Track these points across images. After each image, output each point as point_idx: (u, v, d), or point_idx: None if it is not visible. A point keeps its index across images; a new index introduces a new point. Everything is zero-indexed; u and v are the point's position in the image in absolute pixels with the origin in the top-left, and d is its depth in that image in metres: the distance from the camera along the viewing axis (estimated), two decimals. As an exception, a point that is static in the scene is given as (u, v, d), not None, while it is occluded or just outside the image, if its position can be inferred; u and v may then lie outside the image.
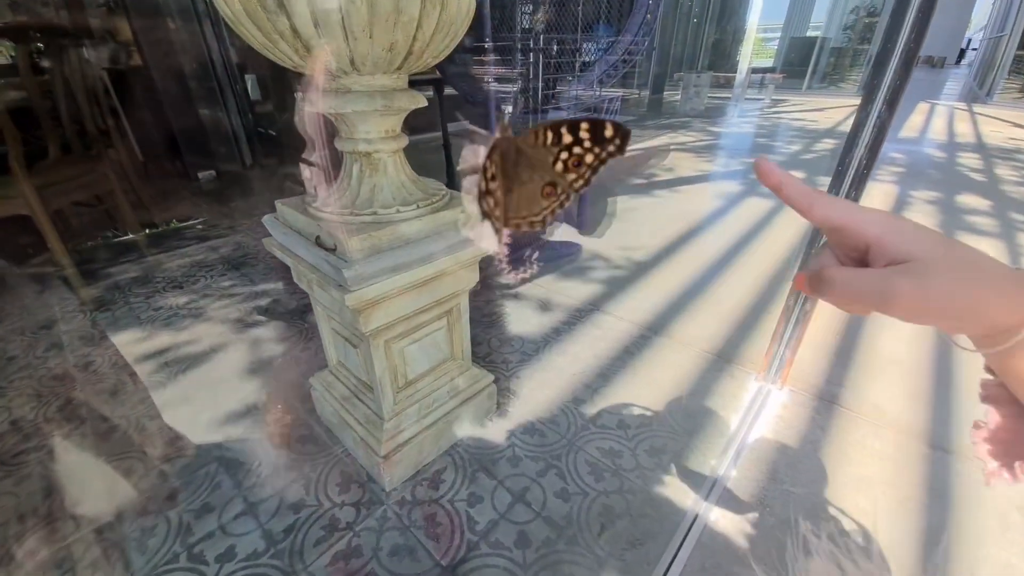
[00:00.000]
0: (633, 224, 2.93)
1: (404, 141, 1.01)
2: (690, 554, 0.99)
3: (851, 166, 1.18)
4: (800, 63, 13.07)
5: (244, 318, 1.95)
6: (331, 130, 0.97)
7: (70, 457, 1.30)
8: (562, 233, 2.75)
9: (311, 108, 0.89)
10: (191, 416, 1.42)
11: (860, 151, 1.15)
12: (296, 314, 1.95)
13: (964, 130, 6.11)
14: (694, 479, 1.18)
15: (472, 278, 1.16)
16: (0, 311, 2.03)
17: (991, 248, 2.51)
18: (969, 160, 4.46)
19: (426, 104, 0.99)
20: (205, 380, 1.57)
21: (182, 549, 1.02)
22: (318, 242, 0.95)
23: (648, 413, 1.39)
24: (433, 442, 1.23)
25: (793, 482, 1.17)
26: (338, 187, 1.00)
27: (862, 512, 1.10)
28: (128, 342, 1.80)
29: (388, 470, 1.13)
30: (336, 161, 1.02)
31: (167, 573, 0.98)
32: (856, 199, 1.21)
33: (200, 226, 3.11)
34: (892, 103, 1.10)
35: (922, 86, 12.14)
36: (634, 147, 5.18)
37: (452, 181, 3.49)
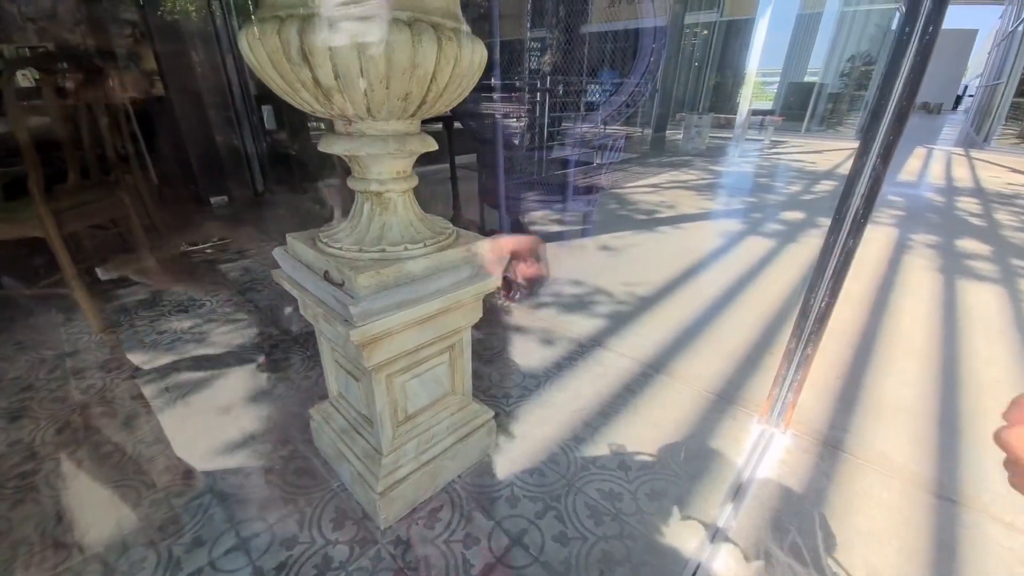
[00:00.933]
0: (636, 260, 2.96)
1: (414, 181, 1.05)
2: (691, 606, 0.96)
3: (848, 214, 1.21)
4: (799, 107, 13.45)
5: (246, 344, 1.96)
6: (344, 168, 1.01)
7: (64, 483, 1.28)
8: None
9: (326, 150, 0.93)
10: (188, 444, 1.41)
11: (857, 200, 1.19)
12: (299, 342, 1.96)
13: (962, 175, 6.22)
14: (695, 526, 1.16)
15: (476, 314, 1.17)
16: (7, 331, 2.05)
17: (991, 294, 2.52)
18: (968, 205, 4.52)
19: (436, 147, 1.03)
20: (204, 407, 1.57)
21: (170, 585, 1.00)
22: (326, 277, 0.98)
23: (649, 454, 1.37)
24: (430, 479, 1.21)
25: (798, 532, 1.15)
26: (348, 224, 1.03)
27: (869, 567, 1.07)
28: (130, 366, 1.80)
29: (384, 507, 1.11)
30: (343, 197, 1.06)
31: (153, 611, 0.95)
32: (855, 244, 1.23)
33: (209, 250, 3.17)
34: (886, 156, 1.14)
35: (919, 131, 12.44)
36: (636, 184, 5.29)
37: (459, 211, 3.56)
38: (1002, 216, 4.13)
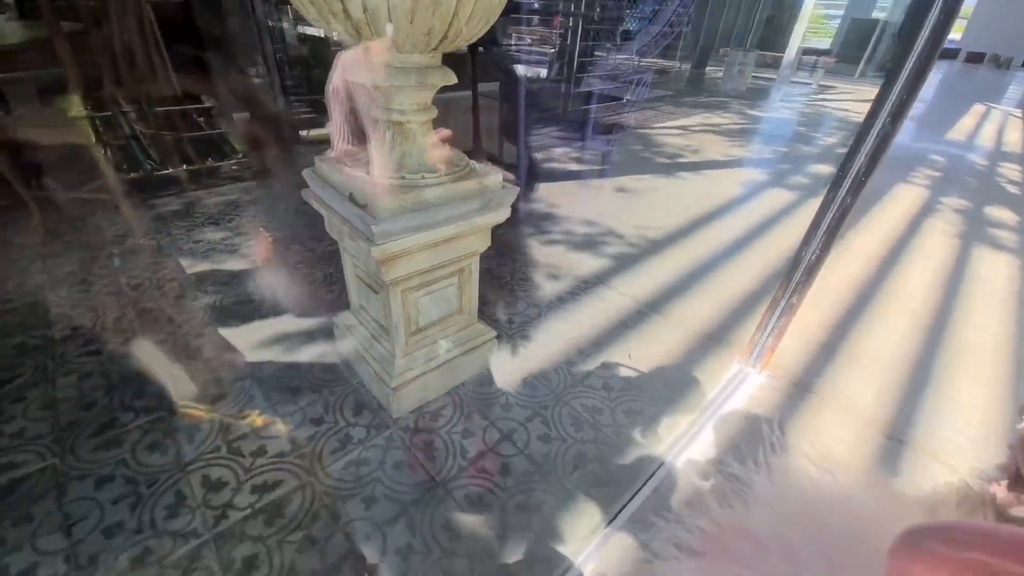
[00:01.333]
0: (651, 204, 2.98)
1: (433, 113, 1.12)
2: (647, 498, 1.15)
3: (850, 172, 1.25)
4: (858, 47, 12.29)
5: (274, 257, 2.12)
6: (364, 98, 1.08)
7: (125, 362, 1.50)
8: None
9: (352, 79, 1.00)
10: (229, 338, 1.61)
11: (861, 159, 1.22)
12: (322, 259, 2.12)
13: (1014, 139, 5.81)
14: (662, 440, 1.33)
15: (484, 242, 1.28)
16: (57, 232, 2.24)
17: (1005, 264, 2.52)
18: (1010, 171, 4.30)
19: (456, 81, 1.09)
20: (239, 311, 1.76)
21: (223, 443, 1.22)
22: (351, 198, 1.09)
23: (632, 380, 1.53)
24: (437, 382, 1.39)
25: (751, 450, 1.31)
26: (371, 151, 1.12)
27: (807, 478, 1.24)
28: (172, 269, 1.99)
29: (396, 401, 1.31)
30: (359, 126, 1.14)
31: (211, 461, 1.18)
32: (852, 203, 1.28)
33: (235, 167, 3.27)
34: (897, 115, 1.15)
35: (982, 87, 11.36)
36: (665, 124, 5.10)
37: (478, 142, 3.55)
38: (1046, 185, 3.94)
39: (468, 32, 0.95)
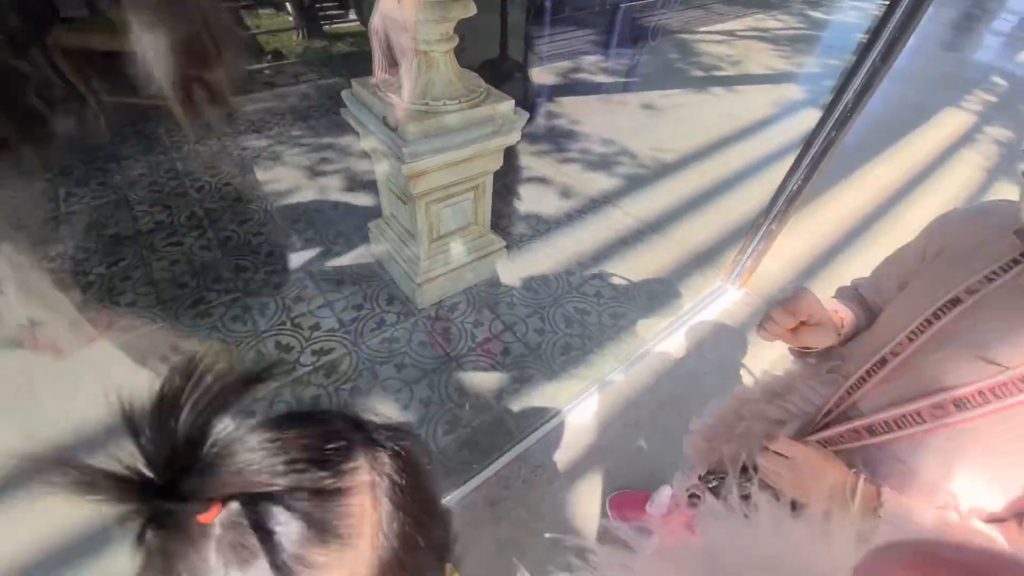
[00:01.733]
0: (674, 123, 2.98)
1: (455, 42, 1.25)
2: (621, 378, 1.46)
3: (839, 105, 1.33)
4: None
5: (314, 167, 2.34)
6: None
7: (202, 253, 1.83)
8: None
9: (389, 15, 1.14)
10: (283, 236, 1.91)
11: (849, 95, 1.29)
12: (359, 170, 2.33)
13: (1116, 52, 5.12)
14: (639, 338, 1.61)
15: (497, 162, 1.47)
16: (119, 136, 2.49)
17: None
18: (1087, 95, 3.92)
19: (475, 11, 1.20)
20: (287, 215, 2.04)
21: (287, 319, 1.57)
22: (384, 122, 1.27)
23: (622, 290, 1.78)
24: (454, 283, 1.67)
25: (712, 352, 1.58)
26: (400, 78, 1.28)
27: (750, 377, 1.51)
28: (227, 173, 2.25)
29: (421, 295, 1.60)
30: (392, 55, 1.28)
31: (279, 331, 1.53)
32: (838, 136, 1.37)
33: (268, 71, 3.37)
34: (888, 53, 1.21)
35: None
36: (710, 28, 4.73)
37: (505, 51, 3.48)
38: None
39: (483, -29, 1.05)
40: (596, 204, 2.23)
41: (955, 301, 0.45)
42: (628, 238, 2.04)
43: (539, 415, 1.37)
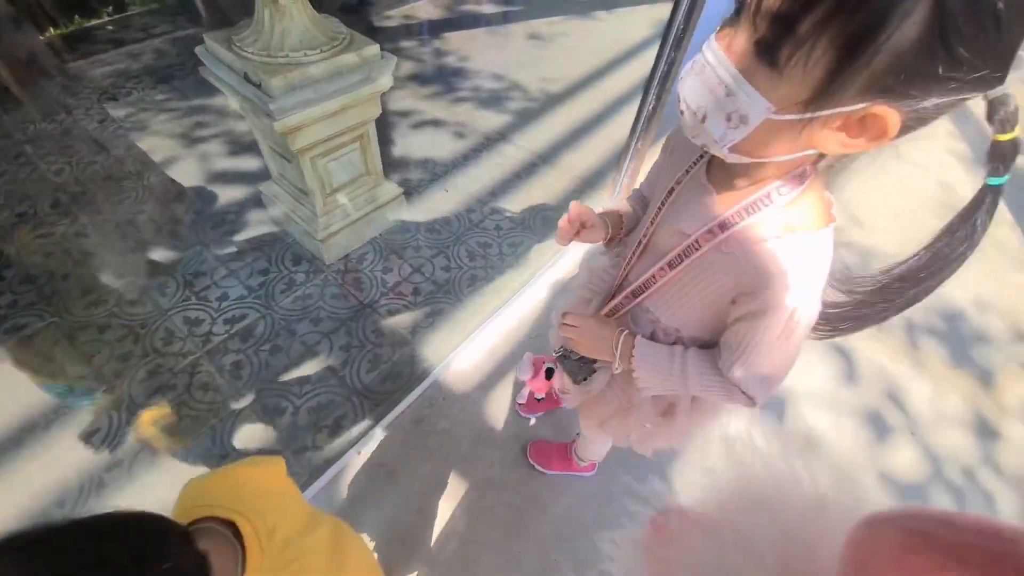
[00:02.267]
0: (560, 51, 3.04)
1: (306, -14, 1.22)
2: (522, 300, 1.64)
3: (674, 27, 1.48)
4: None
5: (188, 133, 2.19)
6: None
7: (79, 240, 1.72)
8: None
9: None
10: (165, 212, 1.82)
11: (680, 17, 1.44)
12: (239, 139, 2.21)
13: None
14: (537, 260, 1.78)
15: (375, 110, 1.49)
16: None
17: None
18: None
19: (318, -46, 1.18)
20: (165, 190, 1.93)
21: (191, 294, 1.56)
22: (246, 78, 1.25)
23: (518, 220, 1.93)
24: (357, 235, 1.73)
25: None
26: (253, 30, 1.25)
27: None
28: (89, 153, 2.05)
29: (326, 250, 1.65)
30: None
31: (185, 307, 1.53)
32: (678, 56, 1.53)
33: (110, 27, 2.94)
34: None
35: None
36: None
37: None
38: None
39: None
40: (490, 141, 2.31)
41: (671, 191, 0.62)
42: (521, 171, 2.17)
43: (453, 341, 1.53)
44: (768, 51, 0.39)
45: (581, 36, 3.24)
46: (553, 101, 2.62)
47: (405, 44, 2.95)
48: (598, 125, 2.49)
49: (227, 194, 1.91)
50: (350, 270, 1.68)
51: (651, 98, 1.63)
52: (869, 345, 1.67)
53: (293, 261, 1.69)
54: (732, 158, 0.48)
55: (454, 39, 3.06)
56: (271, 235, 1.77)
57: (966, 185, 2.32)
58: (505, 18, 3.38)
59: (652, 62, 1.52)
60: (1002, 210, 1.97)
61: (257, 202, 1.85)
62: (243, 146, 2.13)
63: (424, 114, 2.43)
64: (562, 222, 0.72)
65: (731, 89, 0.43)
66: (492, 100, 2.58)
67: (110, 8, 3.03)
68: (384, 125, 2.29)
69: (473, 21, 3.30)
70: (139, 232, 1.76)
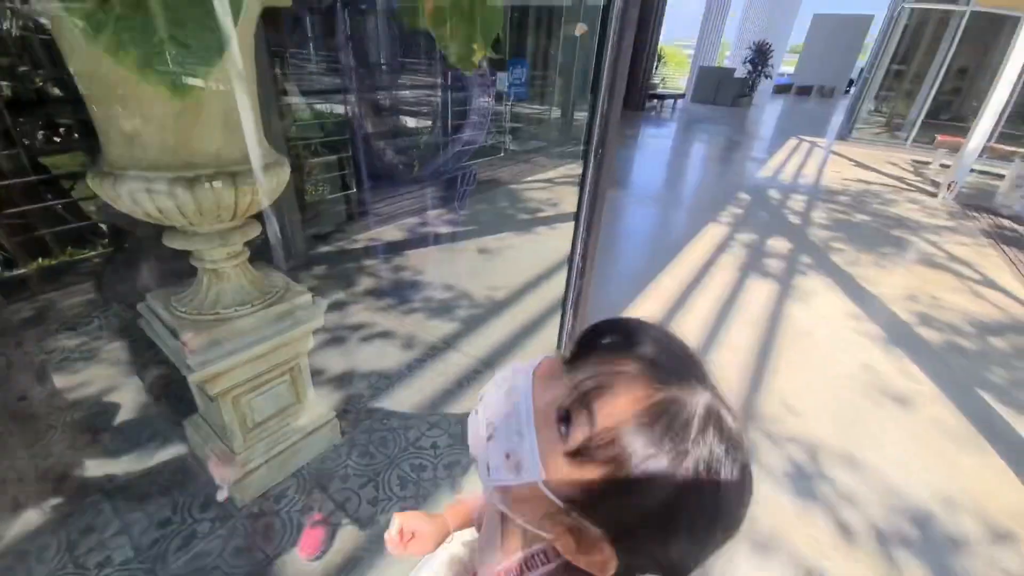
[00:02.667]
0: (506, 263, 3.45)
1: (245, 255, 1.40)
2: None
3: (582, 216, 1.71)
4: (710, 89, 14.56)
5: (132, 362, 2.21)
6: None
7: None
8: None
9: (170, 244, 1.27)
10: (81, 455, 1.71)
11: (585, 207, 1.68)
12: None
13: (811, 170, 7.29)
14: (471, 481, 1.68)
15: (306, 345, 1.57)
16: None
17: (768, 289, 3.28)
18: (797, 203, 5.45)
19: (260, 232, 1.39)
20: (97, 424, 1.86)
21: (68, 560, 1.36)
22: (174, 334, 1.33)
23: (456, 436, 1.88)
24: (280, 468, 1.63)
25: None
26: (192, 290, 1.38)
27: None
28: (22, 386, 2.01)
29: (240, 491, 1.52)
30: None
31: (54, 579, 1.31)
32: (591, 237, 1.73)
33: (97, 259, 3.23)
34: (600, 164, 1.63)
35: (803, 119, 13.92)
36: (534, 178, 5.75)
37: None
38: (817, 213, 5.07)
39: (253, 208, 1.27)
40: (437, 351, 2.41)
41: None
42: (463, 379, 2.21)
43: (370, 601, 1.31)
44: (565, 419, 0.38)
45: (524, 248, 3.72)
46: (496, 307, 2.85)
47: (367, 263, 3.30)
48: (535, 329, 2.67)
49: (154, 428, 1.84)
50: (264, 513, 1.53)
51: (568, 316, 1.79)
52: (847, 567, 1.52)
53: (202, 506, 1.54)
54: (495, 499, 0.44)
55: (413, 256, 3.46)
56: (189, 475, 1.65)
57: (885, 363, 2.46)
58: (458, 236, 3.90)
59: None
60: (931, 388, 2.04)
61: (182, 436, 1.77)
62: (180, 379, 2.14)
63: (375, 327, 2.57)
64: (388, 537, 0.70)
65: (521, 432, 0.41)
66: (442, 309, 2.79)
67: (106, 241, 3.36)
68: (332, 342, 2.40)
69: (433, 240, 3.79)
70: (41, 481, 1.62)
